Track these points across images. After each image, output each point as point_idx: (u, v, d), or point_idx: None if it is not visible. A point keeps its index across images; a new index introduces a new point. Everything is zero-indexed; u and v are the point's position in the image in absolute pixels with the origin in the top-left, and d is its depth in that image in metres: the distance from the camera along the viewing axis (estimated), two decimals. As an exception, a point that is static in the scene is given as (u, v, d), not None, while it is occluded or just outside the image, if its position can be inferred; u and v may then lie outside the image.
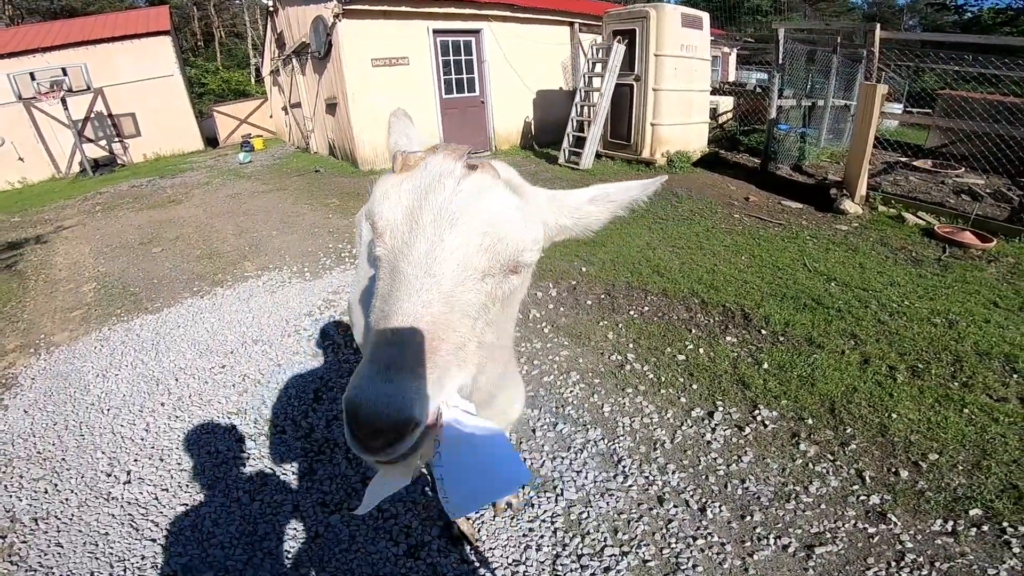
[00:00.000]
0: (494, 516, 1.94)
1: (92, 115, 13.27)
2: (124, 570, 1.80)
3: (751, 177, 6.85)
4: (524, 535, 1.86)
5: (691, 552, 1.76)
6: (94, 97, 13.09)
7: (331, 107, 9.37)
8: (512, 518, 1.93)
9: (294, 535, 1.91)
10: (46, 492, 2.19)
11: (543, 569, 1.74)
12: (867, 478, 2.01)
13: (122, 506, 2.08)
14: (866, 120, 5.12)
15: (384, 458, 0.62)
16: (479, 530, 1.88)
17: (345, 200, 6.71)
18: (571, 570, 1.73)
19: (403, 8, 8.02)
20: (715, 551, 1.76)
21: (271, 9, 12.75)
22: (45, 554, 1.88)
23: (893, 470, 2.04)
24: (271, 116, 16.97)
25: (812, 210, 5.40)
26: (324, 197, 7.04)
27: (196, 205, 7.59)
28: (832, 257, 4.06)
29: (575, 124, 7.88)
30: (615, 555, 1.77)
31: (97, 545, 1.91)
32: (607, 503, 1.97)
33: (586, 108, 7.77)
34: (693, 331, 3.10)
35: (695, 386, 2.61)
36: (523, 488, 1.99)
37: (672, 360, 2.83)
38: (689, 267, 3.99)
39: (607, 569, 1.72)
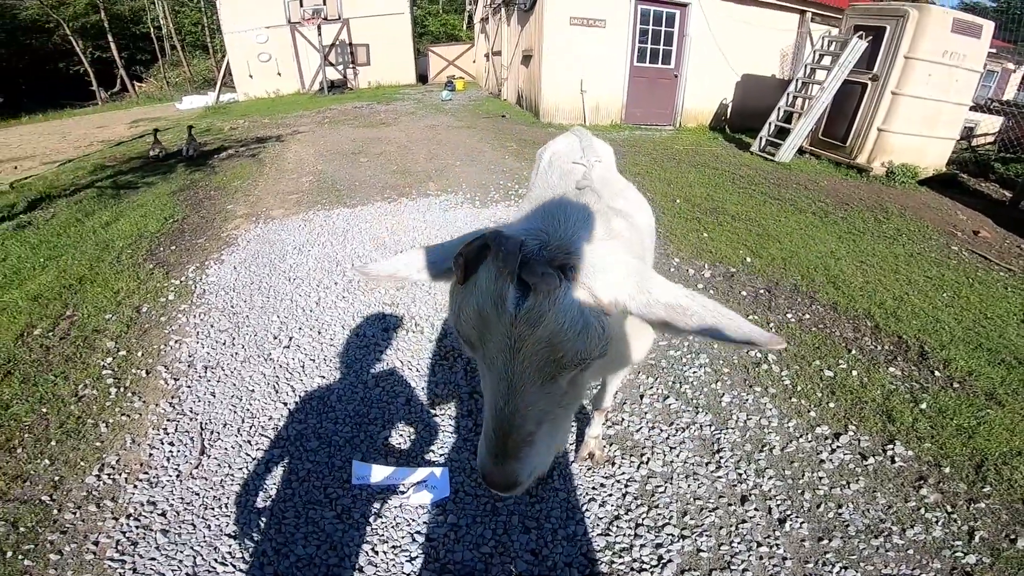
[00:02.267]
0: (572, 460, 2.00)
1: (337, 42, 15.40)
2: (251, 427, 2.17)
3: (992, 210, 5.60)
4: (594, 488, 1.91)
5: (748, 556, 1.68)
6: (341, 26, 15.16)
7: (526, 59, 9.69)
8: (589, 469, 1.97)
9: (397, 425, 2.18)
10: (224, 344, 2.72)
11: (598, 524, 1.78)
12: (977, 537, 1.74)
13: (275, 368, 2.53)
14: None
15: (506, 494, 0.91)
16: (554, 470, 1.95)
17: (522, 146, 7.02)
18: (624, 534, 1.75)
19: None
20: (773, 562, 1.66)
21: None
22: (199, 401, 2.32)
23: (1011, 537, 1.74)
24: (474, 61, 18.04)
25: (1065, 263, 4.28)
26: (505, 140, 7.45)
27: (400, 129, 8.55)
28: (1068, 320, 3.22)
29: (781, 114, 7.16)
30: (673, 535, 1.75)
31: (241, 400, 2.32)
32: (687, 485, 1.93)
33: (799, 100, 6.98)
34: (853, 351, 2.75)
35: (832, 404, 2.35)
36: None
37: (817, 373, 2.56)
38: (873, 287, 3.48)
39: (658, 545, 1.71)
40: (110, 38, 24.18)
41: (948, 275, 3.84)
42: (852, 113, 6.69)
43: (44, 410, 2.27)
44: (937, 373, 2.61)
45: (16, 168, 7.25)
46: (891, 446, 2.13)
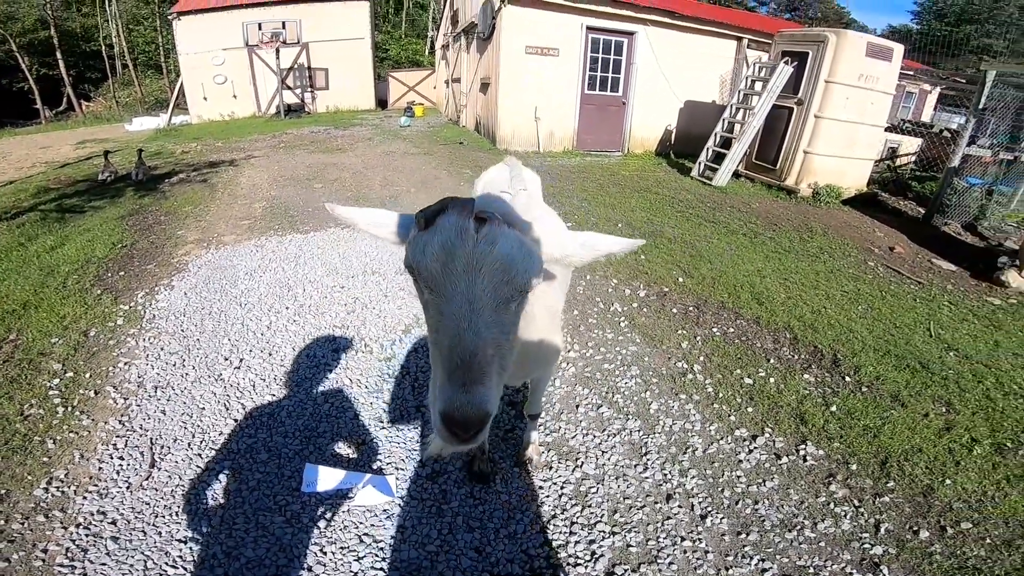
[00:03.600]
0: (514, 466, 2.16)
1: (295, 66, 15.42)
2: (201, 442, 2.25)
3: (907, 227, 6.15)
4: (533, 490, 2.06)
5: (674, 550, 1.84)
6: (300, 50, 15.22)
7: (484, 86, 10.00)
8: (528, 473, 2.13)
9: (345, 438, 2.29)
10: (174, 365, 2.78)
11: (536, 523, 1.92)
12: (882, 529, 1.95)
13: (225, 387, 2.61)
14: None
15: (470, 445, 0.86)
16: (496, 475, 2.11)
17: (477, 173, 7.15)
18: (560, 532, 1.90)
19: (562, 1, 8.36)
20: (696, 555, 1.83)
21: (452, -14, 13.80)
22: (148, 419, 2.38)
23: (914, 529, 1.95)
24: (435, 87, 18.36)
25: (966, 276, 4.76)
26: (461, 167, 7.65)
27: (357, 155, 8.65)
28: (965, 328, 3.61)
29: (718, 139, 7.63)
30: (604, 532, 1.90)
31: (191, 417, 2.40)
32: (617, 486, 2.10)
33: (735, 125, 7.47)
34: (772, 361, 3.03)
35: (750, 409, 2.59)
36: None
37: (738, 381, 2.81)
38: (795, 302, 3.81)
39: (591, 542, 1.86)
40: (59, 55, 23.41)
41: (864, 289, 4.22)
42: (781, 137, 7.18)
43: (-12, 430, 2.27)
44: (848, 378, 2.89)
45: (-49, 192, 6.97)
46: (803, 446, 2.36)
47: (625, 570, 1.77)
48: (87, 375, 2.69)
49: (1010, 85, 6.15)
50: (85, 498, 1.96)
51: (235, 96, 15.27)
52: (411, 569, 1.73)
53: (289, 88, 15.36)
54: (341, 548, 1.79)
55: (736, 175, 7.63)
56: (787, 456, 2.29)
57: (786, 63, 6.88)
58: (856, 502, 2.07)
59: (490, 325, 0.86)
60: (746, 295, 3.83)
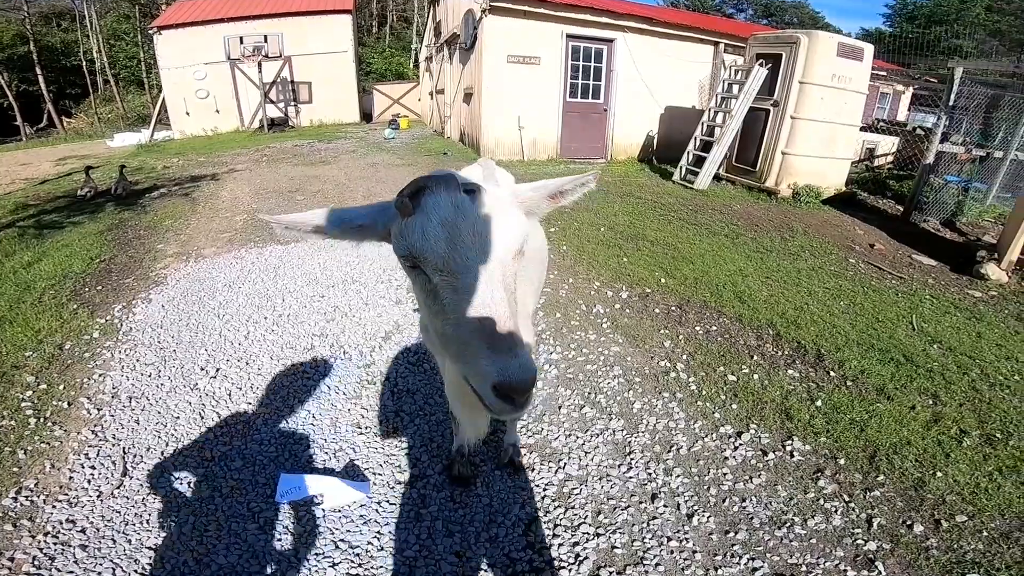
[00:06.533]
0: (495, 468, 2.13)
1: (278, 80, 15.40)
2: (175, 450, 2.22)
3: (887, 225, 6.24)
4: (515, 492, 2.03)
5: (660, 551, 1.81)
6: (283, 64, 15.20)
7: (468, 96, 10.05)
8: (512, 474, 2.10)
9: (321, 445, 2.26)
10: (149, 376, 2.74)
11: (519, 526, 1.89)
12: (875, 525, 1.92)
13: (200, 396, 2.56)
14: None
15: (526, 407, 0.86)
16: (477, 478, 2.07)
17: (462, 181, 7.22)
18: (544, 534, 1.86)
19: (542, 10, 8.46)
20: (684, 556, 1.80)
21: (435, -2, 13.91)
22: (122, 428, 2.34)
23: (908, 523, 1.92)
24: (419, 100, 18.42)
25: (947, 270, 4.84)
26: (445, 176, 7.65)
27: (340, 168, 8.62)
28: (947, 321, 3.65)
29: (698, 143, 7.72)
30: (588, 534, 1.87)
31: (166, 426, 2.36)
32: (601, 487, 2.08)
33: (714, 129, 7.57)
34: (755, 358, 3.03)
35: (735, 406, 2.59)
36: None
37: (721, 378, 2.81)
38: (776, 300, 3.83)
39: (575, 544, 1.83)
40: (38, 71, 23.20)
41: (845, 285, 4.26)
42: (759, 139, 7.27)
43: (-43, 442, 2.21)
44: (832, 373, 2.89)
45: (-75, 210, 6.84)
46: (790, 441, 2.34)
47: (611, 572, 1.74)
48: (61, 387, 2.63)
49: (978, 82, 6.31)
50: (55, 507, 1.91)
51: (218, 111, 15.20)
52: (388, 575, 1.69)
53: (272, 102, 15.32)
54: (316, 554, 1.75)
55: (717, 178, 7.71)
56: (773, 452, 2.28)
57: (760, 65, 7.00)
58: (846, 497, 2.04)
59: (503, 285, 0.87)
60: (728, 294, 3.85)
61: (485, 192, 0.92)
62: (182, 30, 14.48)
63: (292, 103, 15.80)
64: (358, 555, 1.76)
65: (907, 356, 3.08)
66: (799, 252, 5.01)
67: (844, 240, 5.53)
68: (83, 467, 2.11)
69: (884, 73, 13.32)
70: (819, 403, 2.61)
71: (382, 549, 1.78)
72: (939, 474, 2.15)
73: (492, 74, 8.73)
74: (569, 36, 8.87)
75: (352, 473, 2.10)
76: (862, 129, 8.36)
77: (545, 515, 1.94)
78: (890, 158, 9.93)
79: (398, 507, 1.95)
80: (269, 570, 1.69)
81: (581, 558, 1.78)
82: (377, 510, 1.93)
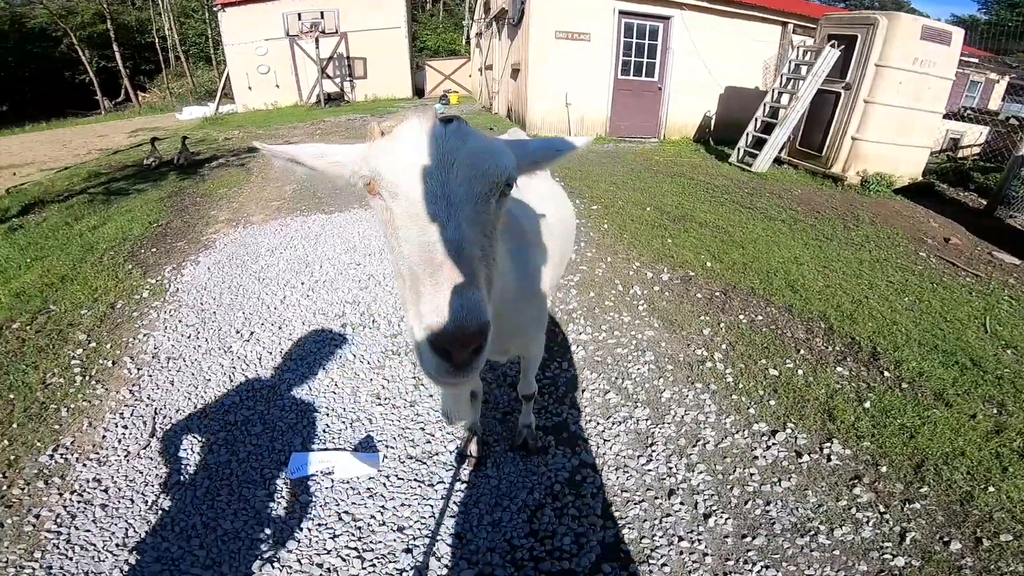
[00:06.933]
0: (508, 450, 2.07)
1: (335, 55, 15.64)
2: (202, 413, 2.28)
3: (966, 219, 5.69)
4: (524, 476, 1.97)
5: (669, 550, 1.72)
6: (339, 40, 15.41)
7: (515, 72, 9.86)
8: (524, 457, 2.04)
9: (339, 414, 2.26)
10: (188, 337, 2.83)
11: (524, 511, 1.83)
12: (908, 539, 1.76)
13: (232, 359, 2.63)
14: None
15: (467, 374, 0.72)
16: (488, 458, 2.03)
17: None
18: (549, 522, 1.79)
19: None
20: (693, 557, 1.69)
21: (485, -27, 13.66)
22: (157, 388, 2.43)
23: (945, 539, 1.75)
24: (470, 76, 18.27)
25: (1032, 270, 4.36)
26: (490, 153, 7.59)
27: (388, 141, 8.70)
28: (1028, 324, 3.29)
29: (759, 124, 7.29)
30: (595, 525, 1.79)
31: (196, 388, 2.43)
32: (616, 477, 1.99)
33: (778, 110, 7.12)
34: (802, 352, 2.83)
35: (772, 402, 2.42)
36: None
37: (762, 372, 2.64)
38: (833, 291, 3.56)
39: (580, 534, 1.75)
40: (115, 48, 24.60)
41: (912, 280, 3.91)
42: (827, 122, 6.80)
43: (11, 396, 2.36)
44: (887, 373, 2.67)
45: (15, 174, 7.41)
46: (829, 444, 2.17)
47: (613, 567, 1.66)
48: (108, 346, 2.77)
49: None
50: (85, 465, 2.00)
51: (278, 85, 15.62)
52: (385, 552, 1.67)
53: (329, 77, 15.59)
54: (319, 525, 1.76)
55: (778, 161, 7.28)
56: (809, 454, 2.12)
57: (832, 46, 6.51)
58: (882, 508, 1.88)
59: (471, 222, 0.78)
60: (779, 282, 3.61)
61: (464, 123, 0.85)
62: (244, 7, 14.87)
63: (347, 78, 16.02)
64: (359, 528, 1.76)
65: (975, 360, 2.79)
66: (863, 242, 4.64)
67: (915, 232, 5.09)
68: (116, 426, 2.20)
69: (976, 60, 12.12)
70: (867, 405, 2.41)
71: (383, 524, 1.77)
72: (991, 489, 1.95)
73: (539, 49, 8.53)
74: (622, 12, 8.52)
75: (365, 446, 2.10)
76: (945, 117, 7.63)
77: (553, 502, 1.87)
78: (977, 149, 9.05)
79: (405, 483, 1.93)
80: (270, 538, 1.71)
81: (584, 549, 1.71)
82: (385, 484, 1.92)
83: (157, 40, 26.51)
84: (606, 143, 8.80)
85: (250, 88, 15.56)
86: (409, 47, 16.87)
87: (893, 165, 6.62)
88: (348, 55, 15.79)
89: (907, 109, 6.46)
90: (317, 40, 14.09)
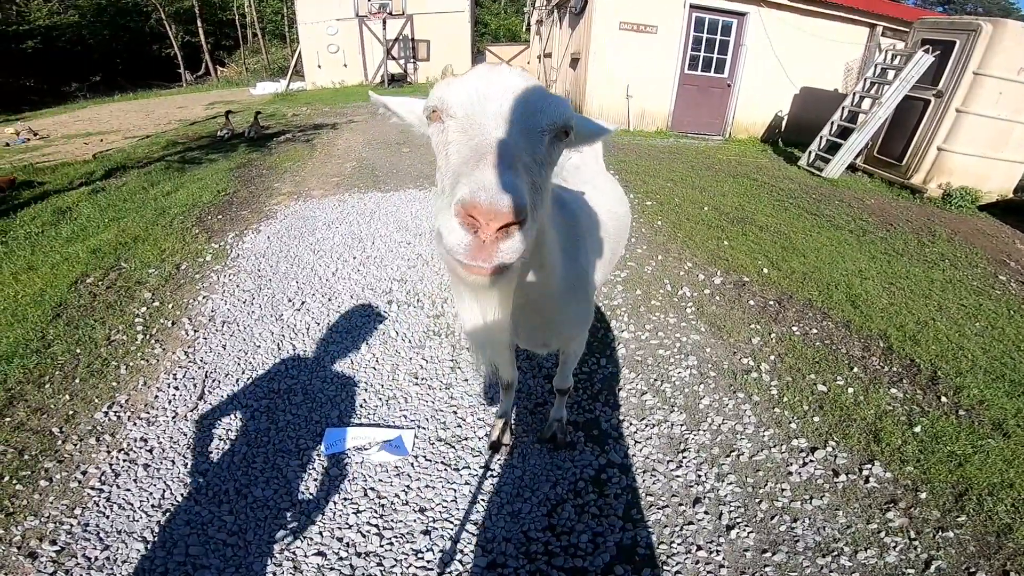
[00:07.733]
0: (536, 442, 2.07)
1: (400, 37, 15.89)
2: (249, 378, 2.37)
3: (1060, 242, 5.20)
4: (549, 469, 1.96)
5: (685, 558, 1.68)
6: (405, 22, 15.63)
7: (574, 62, 9.70)
8: (552, 450, 2.03)
9: (377, 391, 2.32)
10: (244, 302, 2.97)
11: (545, 505, 1.82)
12: (933, 567, 1.66)
13: (283, 327, 2.73)
14: None
15: (492, 260, 0.67)
16: (515, 448, 2.04)
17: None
18: (568, 518, 1.78)
19: None
20: (708, 568, 1.65)
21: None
22: (210, 351, 2.54)
23: (971, 570, 1.65)
24: (528, 63, 18.13)
25: None
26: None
27: (446, 125, 8.80)
28: (1119, 362, 2.98)
29: (835, 128, 6.89)
30: (613, 526, 1.77)
31: (246, 353, 2.53)
32: (643, 480, 1.95)
33: (857, 114, 6.70)
34: (855, 370, 2.68)
35: (816, 419, 2.31)
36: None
37: (809, 387, 2.52)
38: (897, 310, 3.35)
39: (597, 533, 1.74)
40: (199, 23, 25.93)
41: (987, 304, 3.63)
42: (911, 130, 6.35)
43: (78, 351, 2.55)
44: (944, 399, 2.51)
45: (102, 140, 8.00)
46: (870, 466, 2.07)
47: (626, 569, 1.64)
48: (170, 306, 2.95)
49: None
50: (135, 424, 2.12)
51: (345, 65, 16.06)
52: (404, 531, 1.71)
53: (393, 58, 15.87)
54: (344, 499, 1.81)
55: (852, 168, 6.87)
56: (847, 474, 2.03)
57: (926, 51, 6.04)
58: (913, 533, 1.80)
59: (520, 143, 0.76)
60: (840, 295, 3.42)
61: (530, 77, 0.87)
62: (318, -13, 15.33)
63: (411, 60, 16.25)
64: (383, 506, 1.80)
65: (1047, 393, 2.57)
66: (937, 260, 4.32)
67: (997, 253, 4.69)
68: (168, 387, 2.33)
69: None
70: (918, 429, 2.28)
71: (407, 503, 1.81)
72: (1037, 524, 1.80)
73: (601, 40, 8.35)
74: (693, 6, 8.22)
75: (399, 425, 2.15)
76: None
77: (575, 498, 1.86)
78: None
79: (432, 464, 1.96)
80: (296, 509, 1.76)
81: (600, 550, 1.69)
82: (412, 464, 1.96)
83: (237, 17, 27.74)
84: (667, 138, 8.55)
85: (319, 66, 16.06)
86: (471, 31, 16.91)
87: (981, 180, 6.12)
88: (413, 37, 16.01)
89: (1006, 121, 5.94)
90: (384, 21, 14.35)
